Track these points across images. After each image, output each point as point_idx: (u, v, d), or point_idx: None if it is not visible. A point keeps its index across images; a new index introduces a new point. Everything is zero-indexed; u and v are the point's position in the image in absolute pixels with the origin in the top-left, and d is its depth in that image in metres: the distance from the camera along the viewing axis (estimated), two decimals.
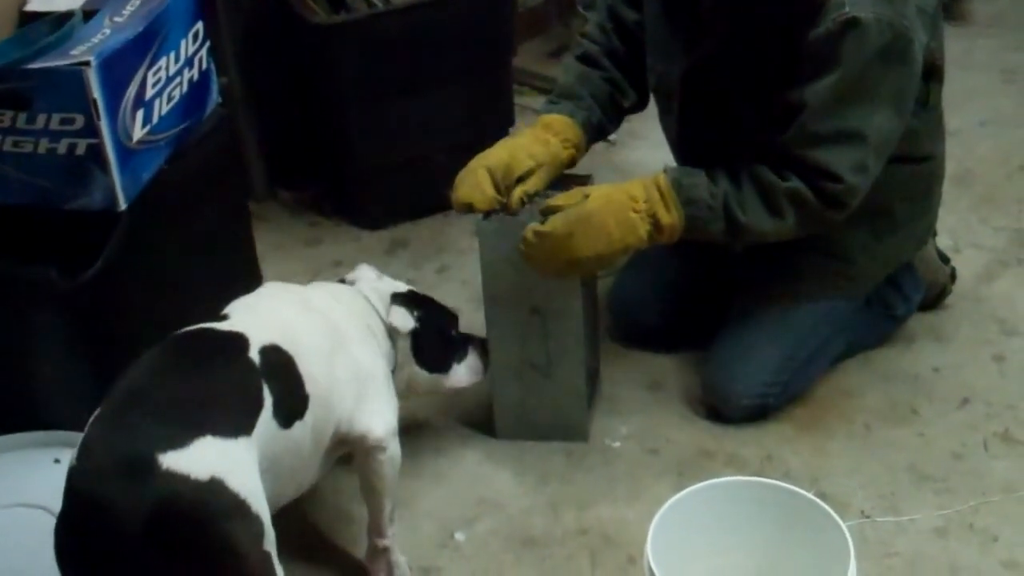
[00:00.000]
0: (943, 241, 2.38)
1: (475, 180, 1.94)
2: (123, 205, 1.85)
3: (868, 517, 1.90)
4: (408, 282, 2.02)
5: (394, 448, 1.76)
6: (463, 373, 2.00)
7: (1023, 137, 2.97)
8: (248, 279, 2.28)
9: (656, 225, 1.88)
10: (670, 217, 1.88)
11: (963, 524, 1.88)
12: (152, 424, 1.39)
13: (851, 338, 2.20)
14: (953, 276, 2.38)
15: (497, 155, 1.98)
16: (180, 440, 1.36)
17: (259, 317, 1.68)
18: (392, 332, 1.87)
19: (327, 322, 1.74)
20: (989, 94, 3.12)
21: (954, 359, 2.25)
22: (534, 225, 1.89)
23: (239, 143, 2.59)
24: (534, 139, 2.04)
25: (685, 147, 2.14)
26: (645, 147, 2.74)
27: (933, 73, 1.99)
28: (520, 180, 1.98)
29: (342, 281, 1.95)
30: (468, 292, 2.40)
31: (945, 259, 2.38)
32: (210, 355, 1.56)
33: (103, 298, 1.86)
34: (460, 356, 1.99)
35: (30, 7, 1.93)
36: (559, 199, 1.92)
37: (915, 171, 2.09)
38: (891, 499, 1.94)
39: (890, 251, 2.15)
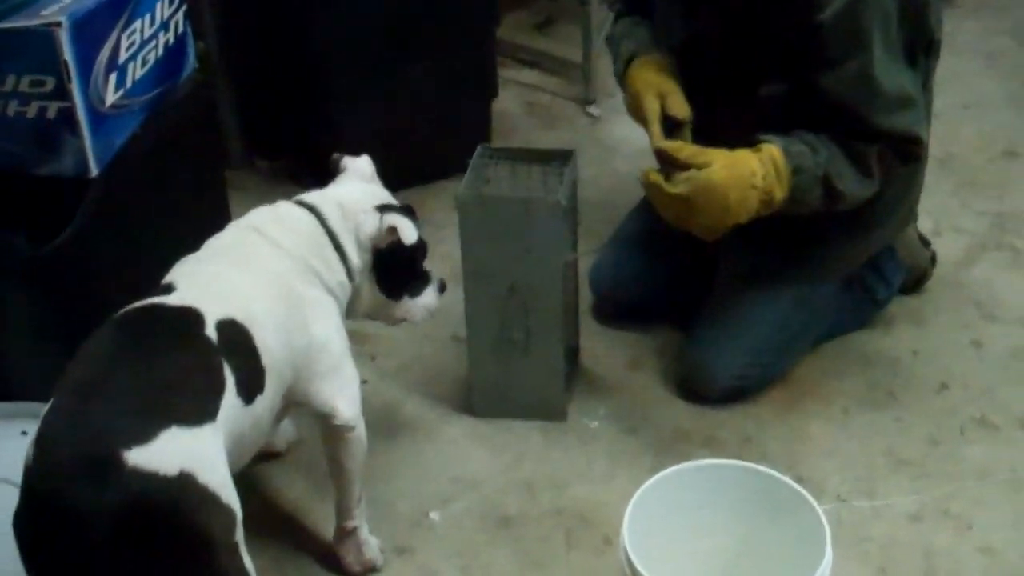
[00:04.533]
0: (924, 224, 2.37)
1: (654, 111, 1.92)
2: (95, 171, 1.81)
3: (844, 501, 1.90)
4: None
5: (360, 426, 1.72)
6: (414, 307, 1.87)
7: (1006, 121, 2.96)
8: None
9: (767, 202, 1.85)
10: (782, 192, 1.86)
11: (938, 510, 1.88)
12: (113, 416, 1.32)
13: (831, 321, 2.19)
14: (934, 260, 2.37)
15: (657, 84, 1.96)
16: (144, 434, 1.29)
17: (209, 288, 1.58)
18: (370, 242, 1.75)
19: (277, 282, 1.64)
20: (973, 77, 3.11)
21: (933, 343, 2.24)
22: (656, 177, 1.84)
23: (216, 110, 2.55)
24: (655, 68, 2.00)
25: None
26: (629, 122, 2.71)
27: (931, 48, 1.99)
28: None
29: (335, 170, 1.86)
30: (447, 267, 2.35)
31: (926, 242, 2.37)
32: (166, 335, 1.48)
33: (73, 266, 1.83)
34: (417, 289, 1.88)
35: None
36: (681, 149, 1.86)
37: None
38: (867, 483, 1.94)
39: (873, 235, 2.14)
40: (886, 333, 2.26)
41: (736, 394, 2.08)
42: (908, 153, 1.95)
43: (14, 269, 1.83)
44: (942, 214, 2.57)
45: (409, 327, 1.95)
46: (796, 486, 1.59)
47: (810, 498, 1.56)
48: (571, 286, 2.05)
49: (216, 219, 2.27)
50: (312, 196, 1.79)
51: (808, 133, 1.89)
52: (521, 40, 3.25)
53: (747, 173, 1.83)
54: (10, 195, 1.83)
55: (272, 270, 1.67)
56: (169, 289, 1.57)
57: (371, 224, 1.75)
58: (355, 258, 1.75)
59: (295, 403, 1.69)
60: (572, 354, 2.09)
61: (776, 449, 2.01)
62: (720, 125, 1.91)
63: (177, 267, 1.64)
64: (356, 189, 1.83)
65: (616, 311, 2.29)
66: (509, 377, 2.04)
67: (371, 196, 1.82)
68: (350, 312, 1.81)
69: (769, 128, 1.90)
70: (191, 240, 2.07)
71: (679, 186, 1.82)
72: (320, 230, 1.74)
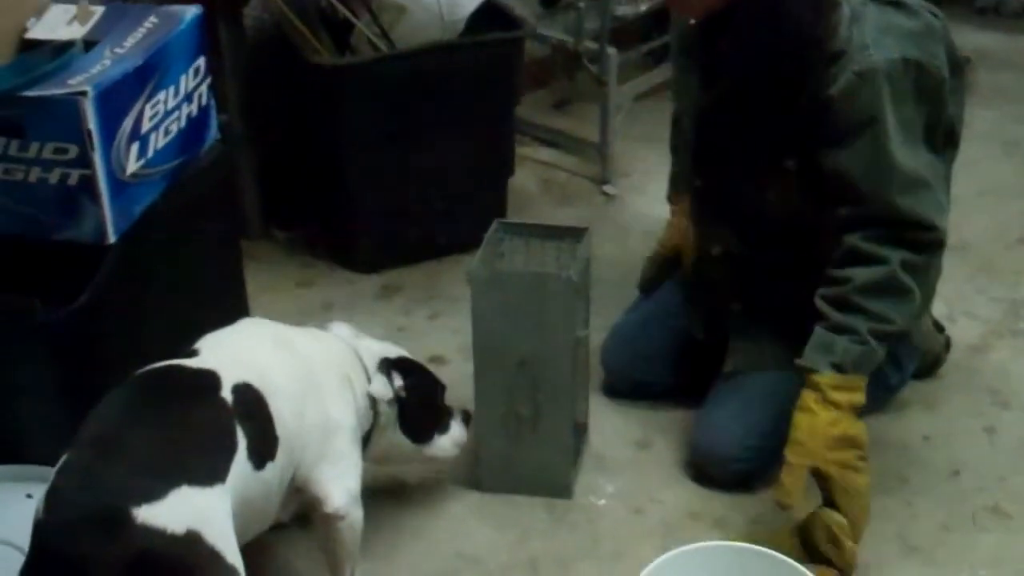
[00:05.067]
0: (938, 310, 2.37)
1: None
2: (112, 238, 1.83)
3: None
4: (398, 328, 2.00)
5: (354, 515, 1.72)
6: (445, 444, 1.96)
7: (1022, 208, 2.97)
8: (237, 318, 2.25)
9: (847, 437, 1.83)
10: (860, 396, 1.85)
11: None
12: (124, 474, 1.34)
13: None
14: (948, 345, 2.36)
15: None
16: (154, 492, 1.32)
17: (229, 353, 1.63)
18: (374, 399, 1.83)
19: (301, 363, 1.70)
20: (989, 165, 3.13)
21: (945, 429, 2.23)
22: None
23: (236, 180, 2.58)
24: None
25: (700, 194, 2.12)
26: (644, 200, 2.73)
27: (950, 139, 1.99)
28: None
29: None
30: (458, 341, 2.37)
31: (940, 328, 2.36)
32: (181, 395, 1.51)
33: (88, 331, 1.84)
34: (444, 427, 1.96)
35: (31, 35, 1.92)
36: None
37: None
38: (877, 570, 1.91)
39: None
40: (898, 418, 2.25)
41: (746, 477, 2.07)
42: (923, 243, 1.87)
43: (29, 333, 1.84)
44: (957, 300, 2.57)
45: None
46: (805, 571, 1.57)
47: None
48: (582, 362, 2.05)
49: (231, 288, 2.30)
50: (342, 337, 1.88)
51: (831, 291, 1.88)
52: (539, 119, 3.30)
53: (853, 457, 1.82)
54: (28, 259, 1.85)
55: (302, 352, 1.72)
56: (193, 354, 1.62)
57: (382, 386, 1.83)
58: (382, 392, 1.82)
59: (296, 487, 1.69)
60: (581, 431, 2.08)
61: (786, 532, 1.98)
62: (733, 191, 1.93)
63: (207, 336, 1.69)
64: (377, 344, 1.92)
65: (626, 388, 2.28)
66: (516, 452, 2.03)
67: (381, 348, 1.90)
68: (384, 459, 1.89)
69: (781, 197, 1.90)
70: (206, 308, 2.09)
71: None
72: (354, 355, 1.82)
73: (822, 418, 1.82)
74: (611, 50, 2.89)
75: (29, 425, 1.92)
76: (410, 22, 2.53)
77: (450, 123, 2.67)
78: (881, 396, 2.24)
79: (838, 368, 1.84)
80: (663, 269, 2.32)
